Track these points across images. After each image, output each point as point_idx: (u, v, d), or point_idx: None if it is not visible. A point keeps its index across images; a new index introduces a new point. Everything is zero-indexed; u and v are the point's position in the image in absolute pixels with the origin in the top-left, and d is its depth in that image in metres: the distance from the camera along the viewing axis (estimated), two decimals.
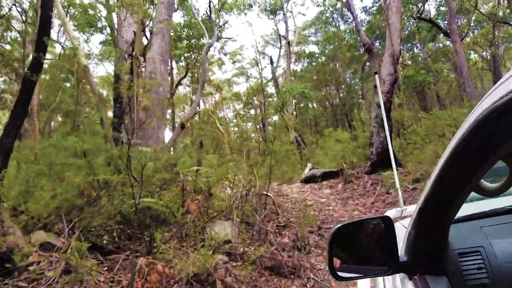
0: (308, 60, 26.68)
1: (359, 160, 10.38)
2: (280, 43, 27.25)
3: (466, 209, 1.10)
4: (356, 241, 1.19)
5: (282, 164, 15.90)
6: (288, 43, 21.76)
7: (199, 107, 8.50)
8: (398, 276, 1.24)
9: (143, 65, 8.91)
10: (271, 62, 24.18)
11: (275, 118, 34.63)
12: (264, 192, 6.35)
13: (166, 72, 8.65)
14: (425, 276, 1.02)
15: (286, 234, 5.27)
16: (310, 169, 12.06)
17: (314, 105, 29.93)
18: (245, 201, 5.26)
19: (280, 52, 27.14)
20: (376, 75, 4.65)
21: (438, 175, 0.86)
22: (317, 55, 25.04)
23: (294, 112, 20.38)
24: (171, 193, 4.24)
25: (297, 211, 7.37)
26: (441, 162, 0.84)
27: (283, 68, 26.68)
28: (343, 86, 24.38)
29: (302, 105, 29.03)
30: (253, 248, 4.20)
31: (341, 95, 23.14)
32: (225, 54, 28.86)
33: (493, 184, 0.88)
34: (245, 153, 7.86)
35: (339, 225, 1.11)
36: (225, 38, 21.76)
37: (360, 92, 22.36)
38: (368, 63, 21.05)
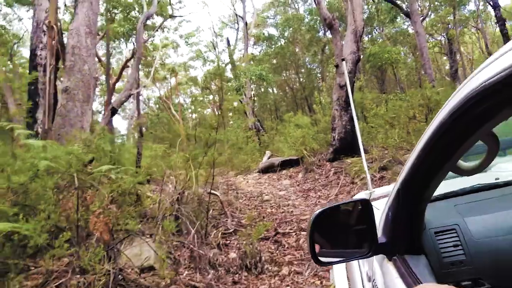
0: (267, 43, 25.51)
1: (321, 147, 9.56)
2: (238, 24, 25.86)
3: (439, 188, 1.02)
4: (335, 225, 1.18)
5: (239, 152, 14.86)
6: (246, 24, 20.45)
7: (135, 88, 7.02)
8: (375, 258, 1.24)
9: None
10: (228, 44, 22.81)
11: (235, 104, 33.49)
12: (208, 191, 5.25)
13: (93, 46, 7.14)
14: (404, 256, 1.03)
15: (234, 244, 4.22)
16: (269, 157, 11.11)
17: (274, 90, 29.08)
18: (176, 208, 4.09)
19: (237, 34, 25.82)
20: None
21: (417, 156, 0.87)
22: (276, 38, 23.96)
23: (253, 97, 19.28)
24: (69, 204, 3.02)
25: (251, 209, 6.36)
26: (420, 143, 0.84)
27: (240, 50, 25.37)
28: (302, 70, 23.64)
29: (262, 90, 28.06)
30: (186, 274, 3.11)
31: (301, 79, 22.36)
32: (180, 37, 27.07)
33: (470, 163, 0.90)
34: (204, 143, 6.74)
35: (319, 210, 1.11)
36: (178, 16, 19.92)
37: (320, 76, 21.70)
38: (326, 47, 20.40)
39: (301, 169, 9.02)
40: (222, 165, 14.50)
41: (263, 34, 26.44)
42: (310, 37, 19.73)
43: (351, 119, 8.85)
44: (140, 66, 27.12)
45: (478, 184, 1.37)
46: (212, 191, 5.47)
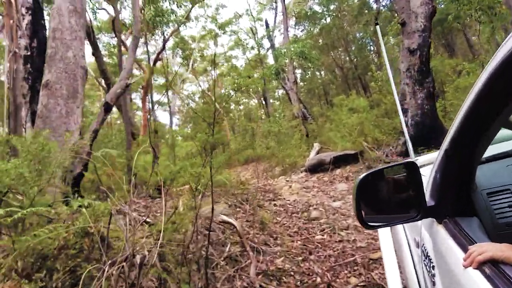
0: (309, 22, 22.80)
1: (387, 136, 7.20)
2: (276, 3, 23.52)
3: (488, 151, 1.02)
4: (380, 190, 1.17)
5: (282, 145, 12.85)
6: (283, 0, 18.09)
7: (130, 80, 5.37)
8: (423, 224, 1.21)
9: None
10: (267, 26, 20.64)
11: (281, 92, 31.29)
12: (220, 219, 3.38)
13: (81, 28, 5.59)
14: (455, 218, 1.00)
15: None
16: (317, 152, 8.94)
17: (322, 73, 26.36)
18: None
19: (276, 15, 23.44)
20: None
21: (465, 112, 0.83)
22: (320, 14, 21.23)
23: (297, 81, 17.03)
24: None
25: (293, 234, 4.37)
26: (469, 98, 0.80)
27: (280, 31, 23.02)
28: (353, 47, 20.74)
29: (308, 73, 25.54)
30: None
31: (351, 56, 19.53)
32: (219, 27, 25.51)
33: None
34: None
35: (363, 174, 1.09)
36: (216, 4, 18.24)
37: (374, 48, 18.68)
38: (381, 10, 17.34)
39: (361, 167, 6.76)
40: (272, 159, 12.66)
41: (305, 11, 23.82)
42: (360, 4, 16.85)
43: (429, 95, 6.37)
44: (180, 59, 26.16)
45: None
46: (226, 219, 3.58)
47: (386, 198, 1.18)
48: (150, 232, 3.14)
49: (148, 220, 3.92)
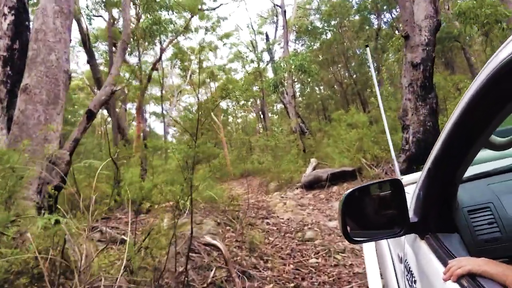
0: (309, 37, 22.73)
1: (386, 152, 6.89)
2: (277, 17, 23.57)
3: (471, 170, 1.11)
4: (366, 205, 1.19)
5: (278, 160, 12.50)
6: (284, 13, 18.04)
7: (116, 87, 5.05)
8: (406, 239, 1.24)
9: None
10: (267, 39, 20.58)
11: (279, 106, 31.07)
12: (204, 241, 3.01)
13: (66, 30, 5.31)
14: (437, 234, 1.03)
15: None
16: (314, 168, 8.60)
17: (321, 89, 26.23)
18: None
19: (276, 28, 23.44)
20: None
21: (449, 131, 0.86)
22: (320, 29, 21.19)
23: (295, 95, 16.81)
24: None
25: (285, 257, 3.98)
26: (452, 117, 0.82)
27: (280, 45, 22.95)
28: (353, 63, 20.64)
29: (307, 88, 25.39)
30: None
31: (351, 72, 19.40)
32: (220, 39, 25.53)
33: (503, 138, 0.94)
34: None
35: (350, 190, 1.11)
36: (206, 9, 18.21)
37: (374, 64, 18.53)
38: (381, 30, 17.30)
39: (359, 185, 6.43)
40: (267, 173, 12.30)
41: (306, 26, 23.80)
42: (361, 20, 16.79)
43: (432, 112, 6.09)
44: (179, 70, 25.99)
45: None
46: (210, 240, 3.21)
47: (371, 214, 1.20)
48: (124, 253, 2.77)
49: (125, 238, 3.55)
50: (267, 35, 20.90)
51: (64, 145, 4.88)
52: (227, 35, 25.31)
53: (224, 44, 24.87)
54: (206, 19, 20.90)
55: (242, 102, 33.25)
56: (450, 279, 0.79)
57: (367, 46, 4.54)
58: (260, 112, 24.93)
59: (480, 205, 1.13)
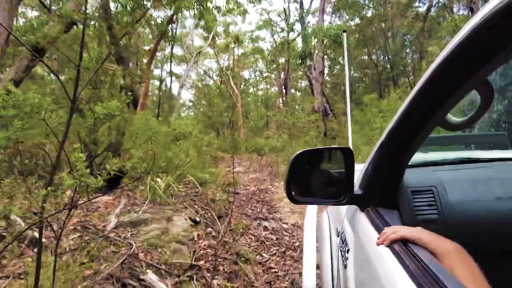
0: (347, 12, 20.50)
1: None
2: None
3: (419, 159, 1.16)
4: (314, 169, 1.18)
5: (296, 139, 11.11)
6: None
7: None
8: (346, 214, 1.26)
9: None
10: (301, 6, 18.60)
11: (304, 83, 29.18)
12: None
13: None
14: (377, 208, 1.03)
15: None
16: None
17: (352, 69, 24.16)
18: None
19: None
20: None
21: (406, 107, 0.85)
22: (361, 4, 18.96)
23: (324, 70, 15.11)
24: None
25: None
26: (413, 91, 0.82)
27: (317, 17, 20.89)
28: (390, 46, 18.51)
29: (336, 67, 23.41)
30: None
31: (389, 54, 17.37)
32: (251, 1, 23.51)
33: (459, 118, 0.90)
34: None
35: (299, 151, 1.08)
36: None
37: (417, 47, 16.43)
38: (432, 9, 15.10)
39: None
40: (271, 154, 11.02)
41: None
42: None
43: None
44: (199, 30, 24.44)
45: (460, 157, 1.38)
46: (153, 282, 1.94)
47: (317, 179, 1.17)
48: None
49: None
50: (301, 2, 18.89)
51: None
52: None
53: (254, 7, 22.90)
54: None
55: (266, 74, 31.52)
56: (383, 243, 0.77)
57: (344, 31, 4.45)
58: (283, 86, 23.22)
59: (424, 187, 1.16)
